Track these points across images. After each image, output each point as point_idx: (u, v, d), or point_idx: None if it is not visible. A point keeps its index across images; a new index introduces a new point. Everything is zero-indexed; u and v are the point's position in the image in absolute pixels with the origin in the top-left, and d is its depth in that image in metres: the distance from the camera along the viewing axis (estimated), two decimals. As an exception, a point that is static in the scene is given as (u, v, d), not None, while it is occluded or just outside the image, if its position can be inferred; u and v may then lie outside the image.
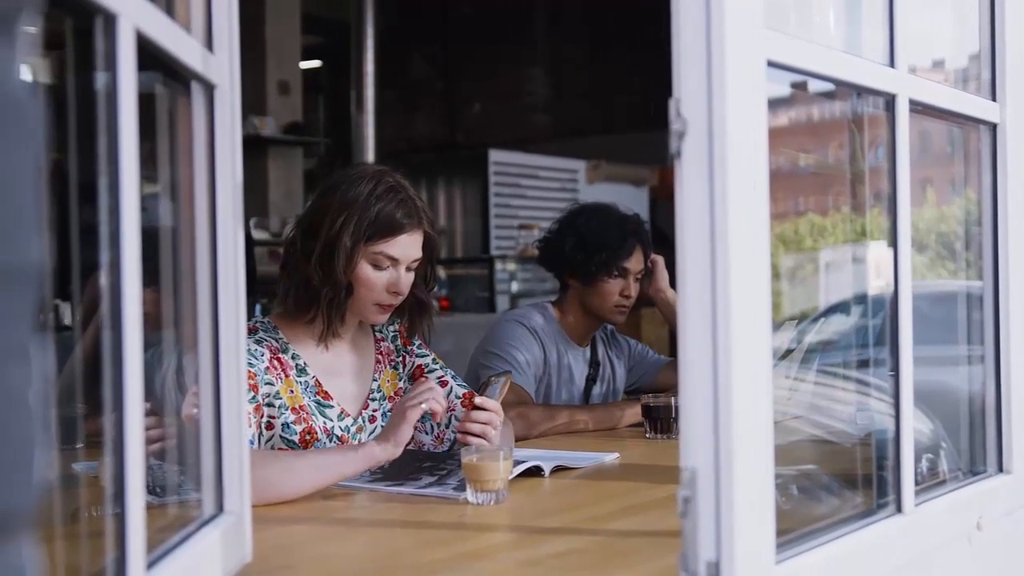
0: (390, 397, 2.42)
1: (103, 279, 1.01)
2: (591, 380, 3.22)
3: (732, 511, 1.19)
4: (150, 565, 1.10)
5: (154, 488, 1.34)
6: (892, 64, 1.57)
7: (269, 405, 2.19)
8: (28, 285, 0.57)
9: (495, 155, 8.11)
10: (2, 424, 0.54)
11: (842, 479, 1.76)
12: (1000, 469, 1.87)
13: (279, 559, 1.60)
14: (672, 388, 3.08)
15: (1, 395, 0.54)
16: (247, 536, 1.45)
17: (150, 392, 1.09)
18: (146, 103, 1.09)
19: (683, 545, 1.22)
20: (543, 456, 2.26)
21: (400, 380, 2.46)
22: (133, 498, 1.03)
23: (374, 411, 2.38)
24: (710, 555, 1.20)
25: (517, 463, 2.09)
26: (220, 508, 1.40)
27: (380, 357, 2.44)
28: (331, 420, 2.28)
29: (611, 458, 2.42)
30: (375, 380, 2.41)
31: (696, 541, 1.21)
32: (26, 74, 0.60)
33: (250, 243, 3.69)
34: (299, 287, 2.26)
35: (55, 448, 0.62)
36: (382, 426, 2.34)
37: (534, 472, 2.18)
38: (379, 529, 1.79)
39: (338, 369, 2.35)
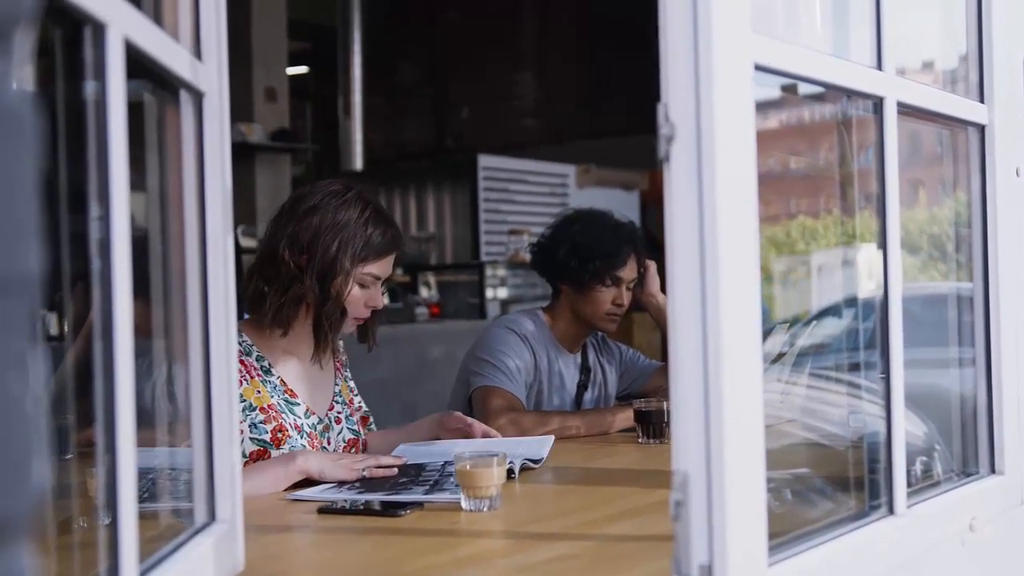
0: (348, 402, 2.54)
1: (94, 289, 1.01)
2: (582, 386, 3.21)
3: (724, 514, 1.19)
4: (142, 574, 1.09)
5: (142, 496, 1.33)
6: (879, 67, 1.57)
7: None
8: (26, 294, 0.58)
9: (484, 160, 8.10)
10: (2, 432, 0.55)
11: (835, 481, 1.76)
12: (992, 470, 1.88)
13: (271, 568, 1.59)
14: (663, 392, 3.08)
15: (1, 403, 0.54)
16: (239, 544, 1.45)
17: (140, 403, 1.09)
18: (133, 111, 1.09)
19: (675, 548, 1.22)
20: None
21: (351, 391, 2.59)
22: (126, 508, 1.03)
23: (338, 413, 2.50)
24: (702, 558, 1.21)
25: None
26: (212, 516, 1.40)
27: (339, 365, 2.56)
28: (299, 417, 2.36)
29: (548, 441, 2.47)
30: (336, 385, 2.52)
31: (688, 544, 1.21)
32: (23, 84, 0.60)
33: (238, 251, 3.75)
34: (292, 304, 2.32)
35: (50, 457, 0.62)
36: (347, 428, 2.49)
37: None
38: (372, 536, 1.78)
39: (303, 374, 2.44)
